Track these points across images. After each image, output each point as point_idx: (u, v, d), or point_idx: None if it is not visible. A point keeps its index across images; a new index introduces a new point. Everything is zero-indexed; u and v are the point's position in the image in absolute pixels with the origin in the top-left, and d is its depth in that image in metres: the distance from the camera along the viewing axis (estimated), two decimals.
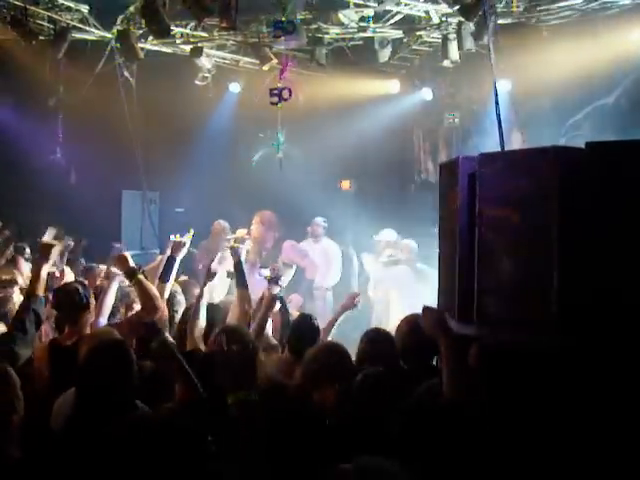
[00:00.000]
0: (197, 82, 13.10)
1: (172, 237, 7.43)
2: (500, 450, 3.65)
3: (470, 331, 4.66)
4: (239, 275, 6.88)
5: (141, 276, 6.05)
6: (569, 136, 11.56)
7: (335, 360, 4.91)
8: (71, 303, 5.93)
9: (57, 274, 8.40)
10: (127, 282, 6.50)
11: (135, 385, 4.48)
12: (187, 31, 12.16)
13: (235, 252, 7.01)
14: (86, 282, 7.30)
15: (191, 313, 6.09)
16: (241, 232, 10.33)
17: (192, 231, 7.46)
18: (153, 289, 6.09)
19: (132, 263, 6.13)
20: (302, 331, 6.17)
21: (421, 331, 5.09)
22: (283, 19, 9.19)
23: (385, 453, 3.11)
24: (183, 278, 8.62)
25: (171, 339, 5.43)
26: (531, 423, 3.72)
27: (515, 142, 8.84)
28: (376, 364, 5.21)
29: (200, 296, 6.23)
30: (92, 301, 6.12)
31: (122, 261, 6.18)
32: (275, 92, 9.21)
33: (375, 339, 5.72)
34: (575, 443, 3.71)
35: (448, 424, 3.83)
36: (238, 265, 6.99)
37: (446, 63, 11.91)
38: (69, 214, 13.18)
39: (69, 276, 8.20)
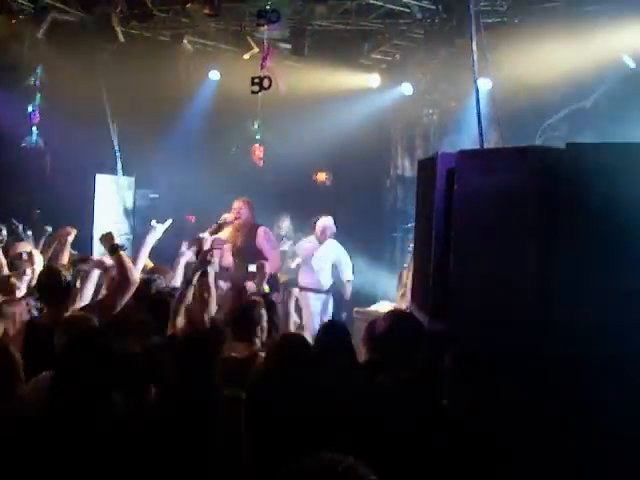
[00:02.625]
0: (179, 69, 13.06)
1: (153, 222, 7.56)
2: (470, 447, 3.65)
3: (442, 327, 4.67)
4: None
5: (122, 252, 6.36)
6: (546, 137, 11.61)
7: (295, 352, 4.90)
8: (52, 285, 6.00)
9: (25, 257, 8.32)
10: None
11: (111, 374, 4.47)
12: (169, 16, 12.08)
13: (198, 243, 7.08)
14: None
15: (177, 297, 6.16)
16: (229, 216, 10.35)
17: (170, 221, 7.63)
18: (130, 264, 6.37)
19: (116, 240, 6.48)
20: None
21: (399, 328, 5.11)
22: (267, 8, 9.15)
23: (347, 448, 3.08)
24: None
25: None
26: (506, 423, 3.74)
27: (492, 141, 8.83)
28: (332, 354, 5.24)
29: (189, 281, 6.30)
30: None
31: (107, 238, 6.51)
32: (256, 81, 9.19)
33: (331, 330, 5.77)
34: (549, 442, 3.72)
35: (422, 423, 3.83)
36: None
37: (427, 58, 11.95)
38: (43, 196, 13.12)
39: (37, 258, 8.11)
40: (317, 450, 2.97)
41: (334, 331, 5.75)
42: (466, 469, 3.57)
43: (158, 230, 7.60)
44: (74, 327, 5.12)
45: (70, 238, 8.80)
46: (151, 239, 7.59)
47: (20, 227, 10.05)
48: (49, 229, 9.81)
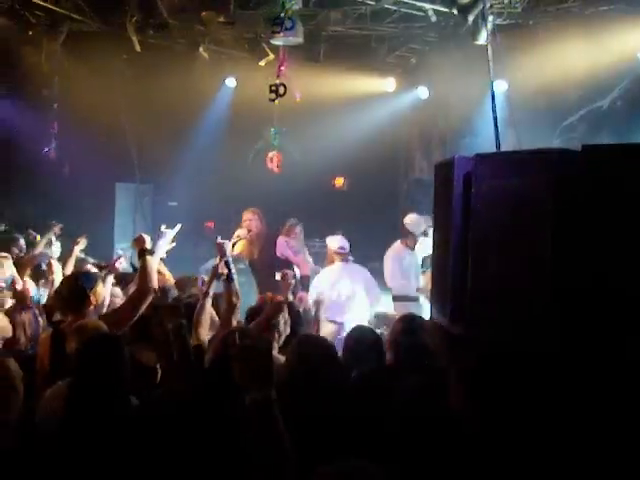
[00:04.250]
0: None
1: (163, 227, 7.54)
2: (488, 454, 3.65)
3: (461, 331, 4.68)
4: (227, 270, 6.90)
5: (149, 257, 6.29)
6: (563, 138, 11.58)
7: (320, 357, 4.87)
8: (70, 293, 6.01)
9: (44, 267, 8.37)
10: None
11: (127, 378, 4.50)
12: (184, 25, 12.13)
13: (221, 248, 7.04)
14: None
15: (197, 309, 6.14)
16: (242, 232, 10.35)
17: (179, 226, 7.62)
18: (154, 274, 6.29)
19: (148, 245, 6.38)
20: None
21: (414, 331, 5.12)
22: (282, 15, 9.19)
23: (372, 454, 3.09)
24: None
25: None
26: (522, 426, 3.73)
27: (509, 143, 8.84)
28: (361, 362, 5.23)
29: (206, 293, 6.29)
30: (100, 291, 6.27)
31: (139, 241, 6.40)
32: (273, 88, 9.25)
33: (360, 338, 5.74)
34: (566, 446, 3.71)
35: (435, 427, 3.83)
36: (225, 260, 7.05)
37: (443, 62, 11.95)
38: (62, 206, 13.19)
39: (57, 268, 8.15)
40: (337, 453, 3.01)
41: (364, 336, 5.75)
42: (483, 474, 3.57)
43: (168, 236, 7.60)
44: (83, 334, 5.14)
45: (77, 247, 8.85)
46: (162, 245, 7.57)
47: (37, 237, 10.15)
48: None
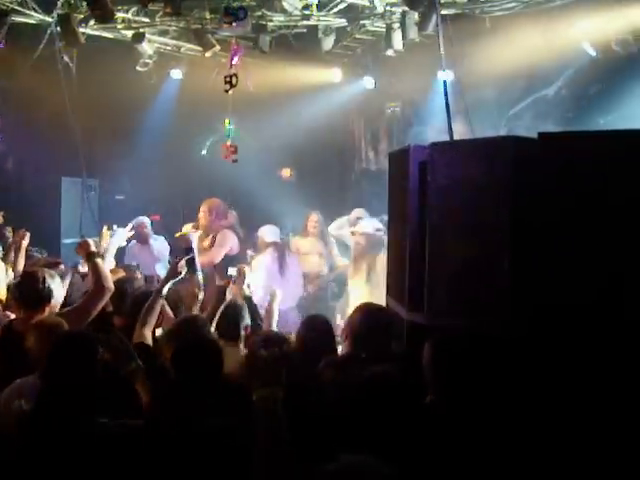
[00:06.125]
0: (138, 68, 12.99)
1: (115, 227, 7.53)
2: (454, 437, 3.67)
3: (420, 319, 4.70)
4: (189, 261, 6.87)
5: (98, 259, 6.29)
6: (510, 126, 11.69)
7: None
8: (30, 290, 5.93)
9: None
10: None
11: (97, 379, 4.44)
12: (129, 16, 12.01)
13: (185, 240, 7.03)
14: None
15: (146, 306, 6.04)
16: (187, 227, 10.27)
17: (130, 225, 7.63)
18: (106, 272, 6.29)
19: (92, 248, 6.37)
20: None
21: (373, 319, 5.12)
22: (234, 5, 9.16)
23: (362, 447, 3.08)
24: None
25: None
26: (488, 409, 3.76)
27: (458, 132, 8.89)
28: (314, 350, 5.22)
29: (159, 292, 6.20)
30: (59, 292, 6.17)
31: (83, 246, 6.43)
32: (227, 79, 9.22)
33: (312, 326, 5.74)
34: (528, 427, 3.76)
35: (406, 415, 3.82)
36: (189, 251, 7.01)
37: (389, 52, 11.93)
38: (7, 201, 13.02)
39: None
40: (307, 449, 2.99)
41: (315, 326, 5.74)
42: (455, 467, 3.58)
43: (120, 234, 7.58)
44: (44, 331, 5.10)
45: (24, 242, 8.70)
46: (114, 243, 7.53)
47: None
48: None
